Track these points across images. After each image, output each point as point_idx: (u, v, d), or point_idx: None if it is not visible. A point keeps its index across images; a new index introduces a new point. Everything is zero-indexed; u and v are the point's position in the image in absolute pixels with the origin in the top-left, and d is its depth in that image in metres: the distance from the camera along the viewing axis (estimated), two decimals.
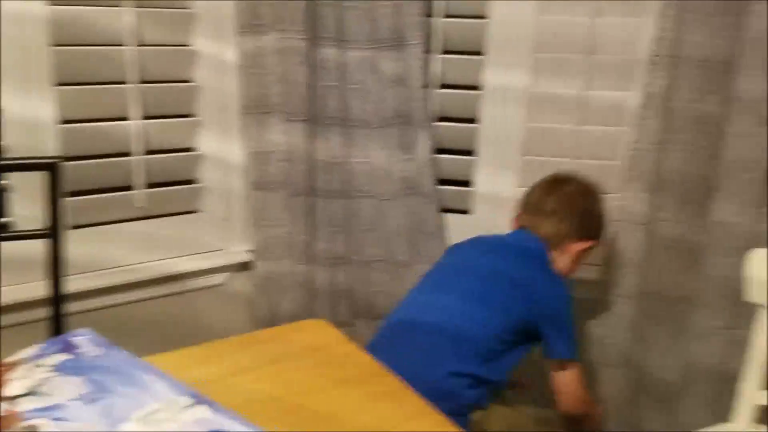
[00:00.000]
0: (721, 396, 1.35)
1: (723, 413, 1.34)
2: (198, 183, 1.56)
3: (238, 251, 1.62)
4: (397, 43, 1.46)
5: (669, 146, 1.36)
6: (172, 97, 1.48)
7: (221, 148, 1.55)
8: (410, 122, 1.51)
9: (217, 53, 1.49)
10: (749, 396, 1.12)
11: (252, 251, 1.57)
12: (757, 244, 1.21)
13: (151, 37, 1.41)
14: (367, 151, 1.54)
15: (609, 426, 1.54)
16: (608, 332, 1.49)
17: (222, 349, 0.69)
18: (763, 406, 1.12)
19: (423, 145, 1.52)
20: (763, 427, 1.14)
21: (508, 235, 1.37)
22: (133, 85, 1.39)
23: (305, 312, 1.59)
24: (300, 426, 0.46)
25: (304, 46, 1.42)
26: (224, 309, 1.64)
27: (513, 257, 1.26)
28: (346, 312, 1.65)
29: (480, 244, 1.36)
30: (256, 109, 1.47)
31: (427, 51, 1.51)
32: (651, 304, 1.45)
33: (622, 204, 1.43)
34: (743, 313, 1.29)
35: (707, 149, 1.32)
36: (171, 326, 1.56)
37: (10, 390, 0.48)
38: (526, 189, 1.41)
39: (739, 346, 1.30)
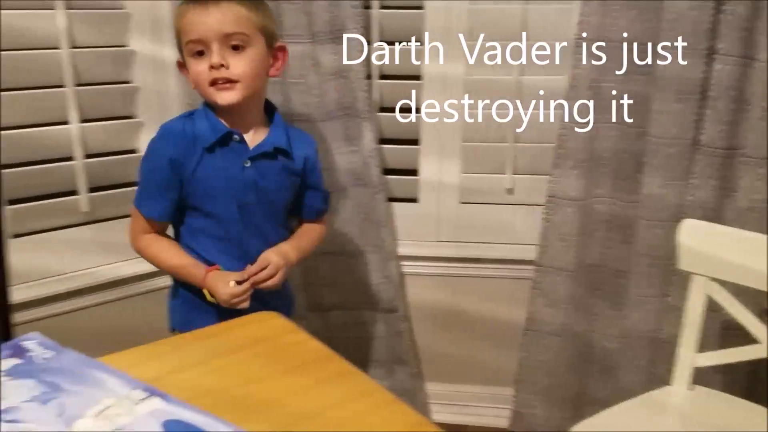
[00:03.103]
0: (656, 361, 1.43)
1: (660, 377, 1.42)
2: None
3: None
4: (336, 35, 1.47)
5: (600, 126, 1.42)
6: (110, 99, 1.46)
7: None
8: (354, 114, 1.53)
9: (154, 53, 1.48)
10: (686, 359, 1.19)
11: None
12: (683, 215, 1.28)
13: (85, 39, 1.39)
14: None
15: (556, 394, 1.61)
16: (550, 304, 1.55)
17: (169, 346, 0.71)
18: (698, 367, 1.19)
19: (368, 136, 1.54)
20: (699, 387, 1.21)
21: None
22: (70, 89, 1.37)
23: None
24: (247, 413, 0.49)
25: None
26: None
27: None
28: (299, 305, 1.66)
29: None
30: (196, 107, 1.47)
31: (367, 42, 1.53)
32: (590, 276, 1.52)
33: (556, 183, 1.49)
34: (674, 281, 1.37)
35: (635, 127, 1.39)
36: (120, 331, 1.54)
37: None
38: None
39: (671, 312, 1.38)
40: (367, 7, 1.52)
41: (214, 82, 1.08)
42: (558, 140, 1.47)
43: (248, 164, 1.13)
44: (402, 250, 1.68)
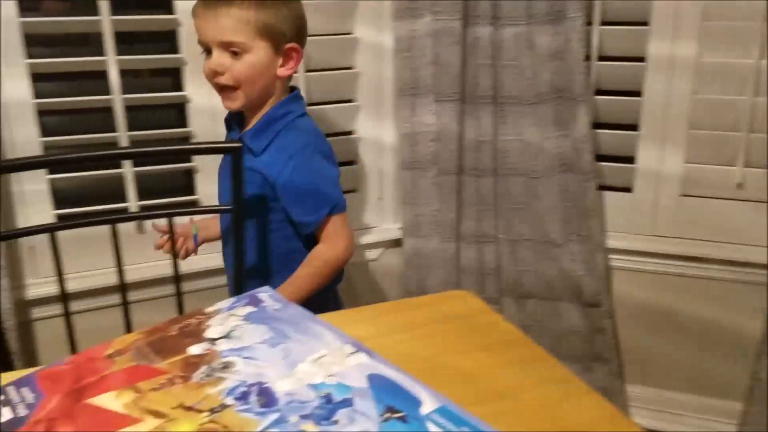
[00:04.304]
0: None
1: None
2: (357, 164, 1.66)
3: (391, 228, 1.70)
4: (555, 17, 1.44)
5: None
6: (335, 84, 1.58)
7: (377, 130, 1.64)
8: (567, 97, 1.49)
9: (375, 39, 1.57)
10: None
11: (401, 228, 1.65)
12: None
13: (317, 27, 1.52)
14: (519, 128, 1.55)
15: None
16: None
17: (373, 312, 0.76)
18: None
19: (581, 120, 1.49)
20: None
21: None
22: (300, 75, 1.51)
23: (453, 288, 1.64)
24: (440, 381, 0.52)
25: (458, 26, 1.45)
26: (377, 283, 1.73)
27: None
28: (492, 289, 1.67)
29: None
30: (409, 91, 1.53)
31: (588, 23, 1.47)
32: None
33: None
34: None
35: None
36: None
37: (210, 333, 0.58)
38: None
39: None
40: None
41: (215, 85, 1.13)
42: None
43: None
44: (611, 243, 1.60)
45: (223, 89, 1.12)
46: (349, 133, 1.64)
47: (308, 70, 1.52)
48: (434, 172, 1.56)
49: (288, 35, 1.12)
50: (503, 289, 1.67)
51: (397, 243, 1.69)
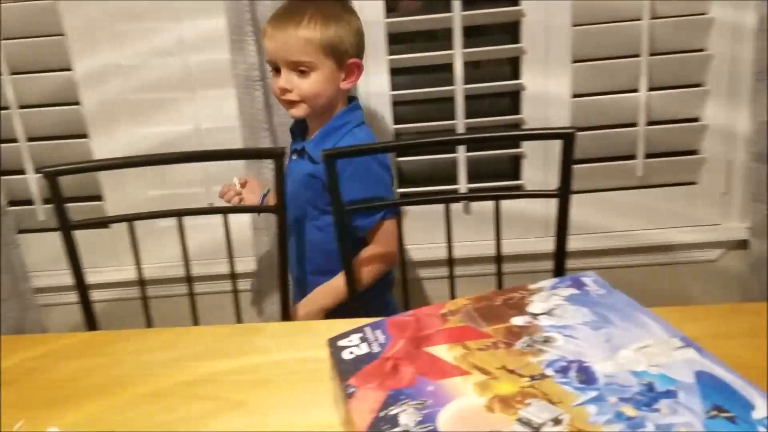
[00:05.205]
0: None
1: None
2: (699, 154, 1.52)
3: (736, 228, 1.52)
4: None
5: None
6: (682, 68, 1.47)
7: (728, 118, 1.47)
8: None
9: (734, 19, 1.41)
10: None
11: (750, 229, 1.46)
12: None
13: (666, 10, 1.43)
14: None
15: None
16: None
17: (707, 313, 0.71)
18: None
19: None
20: None
21: None
22: (644, 58, 1.44)
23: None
24: None
25: None
26: (712, 286, 1.57)
27: None
28: None
29: None
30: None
31: None
32: None
33: None
34: None
35: None
36: (654, 295, 1.58)
37: (532, 308, 0.61)
38: None
39: None
40: None
41: (282, 101, 1.22)
42: None
43: (295, 157, 1.28)
44: None
45: (287, 102, 1.22)
46: (693, 120, 1.51)
47: (652, 54, 1.44)
48: None
49: (350, 51, 1.20)
50: None
51: (742, 245, 1.51)
